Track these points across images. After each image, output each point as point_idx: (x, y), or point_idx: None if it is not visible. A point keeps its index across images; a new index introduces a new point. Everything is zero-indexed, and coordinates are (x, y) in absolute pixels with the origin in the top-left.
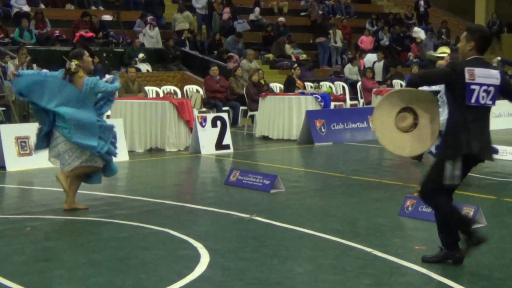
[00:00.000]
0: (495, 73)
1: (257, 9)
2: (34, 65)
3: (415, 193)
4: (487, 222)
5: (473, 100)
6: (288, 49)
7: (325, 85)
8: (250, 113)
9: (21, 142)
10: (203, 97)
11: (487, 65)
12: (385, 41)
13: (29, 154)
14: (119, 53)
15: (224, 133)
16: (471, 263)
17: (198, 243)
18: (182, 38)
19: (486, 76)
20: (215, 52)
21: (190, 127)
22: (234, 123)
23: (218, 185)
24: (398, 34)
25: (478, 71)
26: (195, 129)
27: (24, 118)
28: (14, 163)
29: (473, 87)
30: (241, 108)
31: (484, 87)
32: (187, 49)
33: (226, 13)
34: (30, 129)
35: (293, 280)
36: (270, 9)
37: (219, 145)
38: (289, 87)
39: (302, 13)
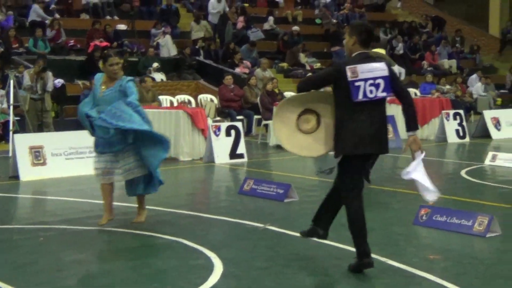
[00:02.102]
0: (380, 65)
1: (271, 18)
2: (50, 74)
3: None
4: (502, 231)
5: (360, 97)
6: (303, 58)
7: None
8: (264, 122)
9: (35, 152)
10: (217, 106)
11: (370, 59)
12: (400, 49)
13: (43, 163)
14: (134, 63)
15: (238, 142)
16: (486, 272)
17: (211, 253)
18: (197, 47)
19: (369, 71)
20: (229, 60)
21: (204, 136)
22: (248, 132)
23: (232, 195)
24: (416, 43)
25: (360, 67)
26: (209, 138)
27: (39, 128)
28: (28, 173)
29: (357, 84)
30: (255, 117)
31: (370, 81)
32: (201, 58)
33: (240, 22)
34: (44, 139)
35: None
36: (284, 18)
37: (233, 154)
38: None
39: (318, 21)
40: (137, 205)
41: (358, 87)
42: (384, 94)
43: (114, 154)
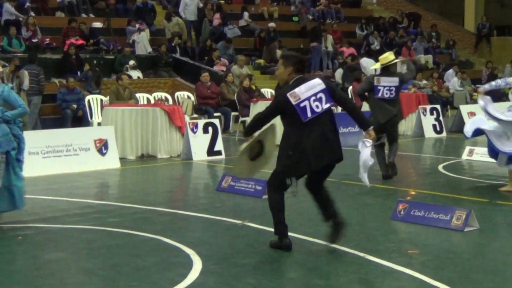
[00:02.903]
0: (316, 81)
1: (245, 14)
2: (25, 72)
3: (408, 197)
4: (480, 225)
5: (309, 115)
6: (279, 54)
7: None
8: (241, 118)
9: None
10: (194, 103)
11: (306, 80)
12: (376, 45)
13: None
14: (110, 60)
15: (216, 139)
16: (464, 266)
17: (190, 250)
18: (173, 44)
19: (309, 89)
20: (205, 58)
21: (181, 133)
22: (225, 129)
23: (210, 191)
24: (392, 39)
25: (299, 89)
26: (187, 136)
27: None
28: None
29: (302, 104)
30: (233, 114)
31: (313, 98)
32: (177, 55)
33: (217, 19)
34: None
35: (285, 286)
36: (260, 15)
37: (211, 151)
38: None
39: (295, 19)
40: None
41: (304, 107)
42: (328, 105)
43: None
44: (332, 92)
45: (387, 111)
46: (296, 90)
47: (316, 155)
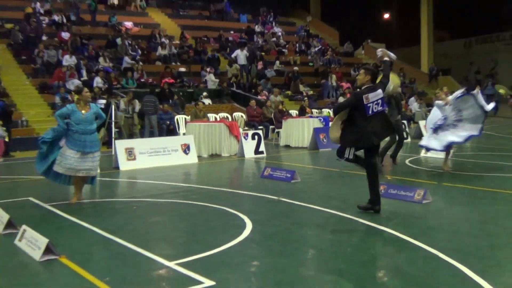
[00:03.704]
0: (379, 91)
1: (277, 62)
2: (136, 101)
3: (386, 180)
4: (432, 199)
5: (370, 112)
6: (301, 87)
7: (325, 111)
8: (276, 130)
9: (129, 151)
10: (245, 120)
11: (375, 88)
12: None
13: (134, 159)
14: (190, 93)
15: (260, 143)
16: (423, 225)
17: (244, 216)
18: (231, 81)
19: (375, 96)
20: (253, 90)
21: (237, 140)
22: (266, 137)
23: (256, 178)
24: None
25: (370, 95)
26: (241, 141)
27: (130, 136)
28: (124, 165)
29: (369, 105)
30: (271, 127)
31: (375, 102)
32: (234, 88)
33: (260, 65)
34: (134, 143)
35: (305, 238)
36: (288, 62)
37: (257, 151)
38: (302, 112)
39: (311, 64)
40: (194, 185)
41: (370, 107)
42: (382, 108)
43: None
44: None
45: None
46: (369, 95)
47: (373, 136)
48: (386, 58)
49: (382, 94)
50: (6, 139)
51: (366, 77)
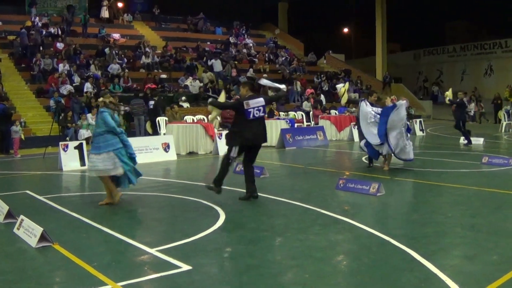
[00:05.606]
0: (261, 99)
1: (250, 70)
2: (122, 105)
3: (345, 176)
4: (385, 192)
5: (251, 116)
6: (270, 93)
7: (291, 114)
8: None
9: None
10: (220, 122)
11: (256, 97)
12: (325, 87)
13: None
14: (170, 97)
15: None
16: (377, 215)
17: (218, 207)
18: (207, 87)
19: (256, 103)
20: (227, 95)
21: (212, 139)
22: None
23: (229, 173)
24: (335, 84)
25: (251, 101)
26: (216, 140)
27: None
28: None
29: (249, 110)
30: None
31: (256, 108)
32: (210, 93)
33: (234, 72)
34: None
35: (273, 227)
36: (258, 69)
37: (230, 149)
38: (270, 115)
39: (279, 72)
40: (173, 180)
41: (250, 111)
42: (263, 114)
43: None
44: (266, 106)
45: None
46: (250, 102)
47: (251, 138)
48: (268, 84)
49: (263, 102)
50: (22, 137)
51: (244, 89)
